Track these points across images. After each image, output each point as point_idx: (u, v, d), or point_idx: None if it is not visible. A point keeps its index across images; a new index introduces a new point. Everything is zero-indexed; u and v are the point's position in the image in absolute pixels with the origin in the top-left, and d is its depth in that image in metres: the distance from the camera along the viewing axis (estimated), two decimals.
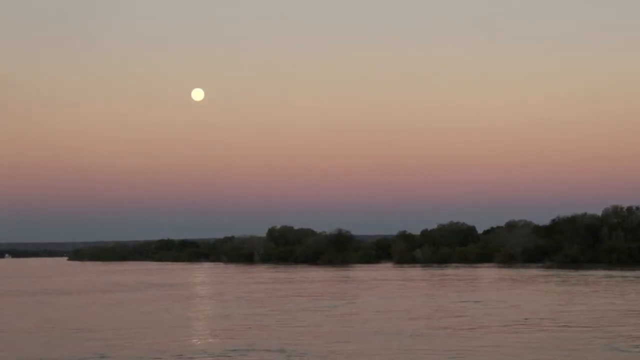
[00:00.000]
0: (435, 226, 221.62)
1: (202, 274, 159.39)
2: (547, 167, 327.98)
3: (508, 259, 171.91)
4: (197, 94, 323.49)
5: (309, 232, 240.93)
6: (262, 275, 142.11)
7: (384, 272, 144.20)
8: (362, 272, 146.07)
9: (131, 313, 64.33)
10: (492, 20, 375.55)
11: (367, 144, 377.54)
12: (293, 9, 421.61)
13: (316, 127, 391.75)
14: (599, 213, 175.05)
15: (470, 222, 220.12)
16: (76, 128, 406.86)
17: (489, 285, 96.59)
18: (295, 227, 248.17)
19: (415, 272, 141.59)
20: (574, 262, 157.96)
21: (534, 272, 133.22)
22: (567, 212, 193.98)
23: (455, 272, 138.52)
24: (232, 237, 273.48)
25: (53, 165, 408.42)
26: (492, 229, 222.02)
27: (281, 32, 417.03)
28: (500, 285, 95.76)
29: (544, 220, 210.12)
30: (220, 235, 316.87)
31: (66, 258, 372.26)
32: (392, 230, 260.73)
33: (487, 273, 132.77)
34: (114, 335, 48.16)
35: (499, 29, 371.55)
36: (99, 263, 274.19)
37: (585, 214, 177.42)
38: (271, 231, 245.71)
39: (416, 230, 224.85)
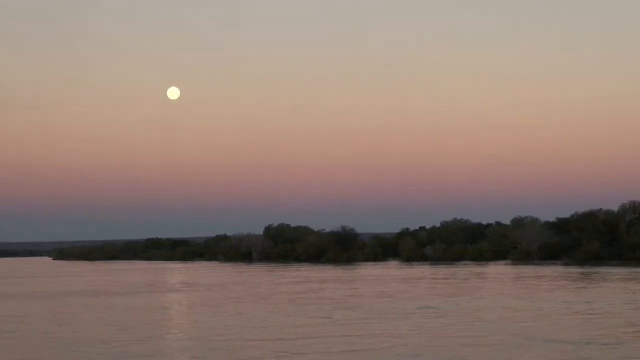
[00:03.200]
0: (431, 224, 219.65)
1: (214, 273, 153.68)
2: (541, 166, 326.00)
3: (525, 256, 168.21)
4: (173, 93, 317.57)
5: (307, 230, 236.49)
6: (284, 274, 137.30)
7: (411, 271, 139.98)
8: (384, 271, 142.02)
9: (237, 319, 59.08)
10: (504, 16, 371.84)
11: (363, 143, 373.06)
12: (279, 6, 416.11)
13: (309, 126, 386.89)
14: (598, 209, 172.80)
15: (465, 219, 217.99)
16: (58, 127, 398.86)
17: (565, 285, 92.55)
18: (293, 225, 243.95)
19: (444, 271, 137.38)
20: (596, 260, 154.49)
21: (569, 270, 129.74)
22: (568, 210, 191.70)
23: (485, 270, 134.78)
24: (225, 235, 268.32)
25: (33, 165, 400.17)
26: (487, 225, 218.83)
27: (279, 28, 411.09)
28: (576, 285, 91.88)
29: (546, 217, 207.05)
30: (206, 234, 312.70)
31: (47, 258, 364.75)
32: (385, 229, 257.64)
33: (522, 271, 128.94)
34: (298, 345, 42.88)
35: (509, 24, 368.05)
36: (87, 263, 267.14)
37: (601, 209, 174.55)
38: (268, 229, 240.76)
39: (413, 228, 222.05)
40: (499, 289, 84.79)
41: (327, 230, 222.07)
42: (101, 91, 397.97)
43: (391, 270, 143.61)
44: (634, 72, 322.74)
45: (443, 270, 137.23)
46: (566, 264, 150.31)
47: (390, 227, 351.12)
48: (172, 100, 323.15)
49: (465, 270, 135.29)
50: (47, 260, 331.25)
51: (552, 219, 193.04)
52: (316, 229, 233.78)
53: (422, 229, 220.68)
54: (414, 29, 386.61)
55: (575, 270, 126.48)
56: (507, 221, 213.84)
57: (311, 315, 59.96)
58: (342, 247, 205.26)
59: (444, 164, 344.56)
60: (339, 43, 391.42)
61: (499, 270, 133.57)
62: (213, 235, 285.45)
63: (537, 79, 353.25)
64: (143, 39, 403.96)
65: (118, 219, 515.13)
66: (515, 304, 65.76)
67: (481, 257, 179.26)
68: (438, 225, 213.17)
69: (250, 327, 52.23)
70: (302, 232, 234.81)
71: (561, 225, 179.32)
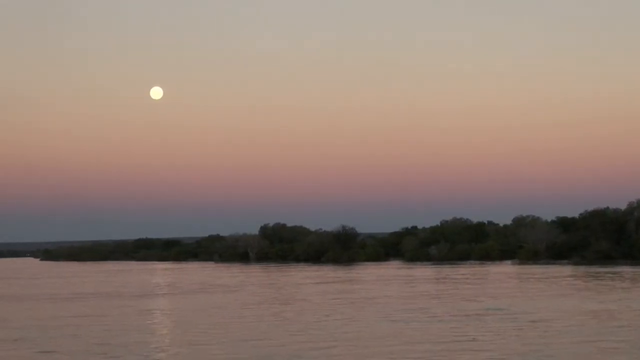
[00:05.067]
0: (423, 224, 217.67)
1: (220, 273, 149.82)
2: (538, 166, 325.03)
3: (533, 256, 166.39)
4: (156, 92, 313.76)
5: (304, 230, 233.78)
6: (296, 275, 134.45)
7: (425, 271, 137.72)
8: (397, 271, 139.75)
9: (314, 324, 56.44)
10: (506, 16, 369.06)
11: (355, 142, 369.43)
12: (269, 5, 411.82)
13: (302, 126, 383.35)
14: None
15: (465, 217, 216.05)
16: (42, 127, 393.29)
17: (609, 284, 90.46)
18: (289, 225, 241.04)
19: (461, 270, 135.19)
20: (607, 258, 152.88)
21: (589, 269, 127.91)
22: (564, 209, 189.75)
23: (503, 270, 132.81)
24: (218, 235, 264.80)
25: (15, 164, 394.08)
26: (483, 223, 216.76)
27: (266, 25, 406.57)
28: (621, 285, 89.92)
29: (543, 216, 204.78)
30: (195, 234, 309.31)
31: (32, 258, 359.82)
32: (378, 228, 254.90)
33: (543, 271, 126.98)
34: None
35: (515, 26, 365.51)
36: (77, 263, 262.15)
37: (608, 208, 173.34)
38: (264, 229, 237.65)
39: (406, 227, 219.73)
40: (546, 289, 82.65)
41: (325, 229, 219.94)
42: (85, 91, 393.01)
43: (403, 270, 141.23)
44: (637, 70, 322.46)
45: (459, 270, 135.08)
46: (576, 263, 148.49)
47: (382, 226, 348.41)
48: (155, 99, 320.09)
49: (483, 270, 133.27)
50: (33, 260, 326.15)
51: (551, 218, 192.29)
52: (310, 228, 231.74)
53: (414, 228, 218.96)
54: (415, 28, 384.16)
55: (596, 269, 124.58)
56: (499, 220, 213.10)
57: (387, 317, 57.09)
58: (342, 247, 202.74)
59: (439, 163, 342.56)
60: (338, 42, 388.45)
61: (516, 270, 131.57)
62: (202, 235, 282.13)
63: (537, 78, 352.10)
64: (128, 39, 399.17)
65: (104, 219, 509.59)
66: (589, 305, 63.40)
67: (487, 257, 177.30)
68: (430, 225, 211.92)
69: (353, 335, 48.49)
70: (299, 232, 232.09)
71: (566, 224, 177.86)
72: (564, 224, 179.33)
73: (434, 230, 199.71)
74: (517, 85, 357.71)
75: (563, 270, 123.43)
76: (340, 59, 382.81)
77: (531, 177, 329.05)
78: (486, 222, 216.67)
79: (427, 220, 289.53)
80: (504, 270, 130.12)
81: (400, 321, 54.16)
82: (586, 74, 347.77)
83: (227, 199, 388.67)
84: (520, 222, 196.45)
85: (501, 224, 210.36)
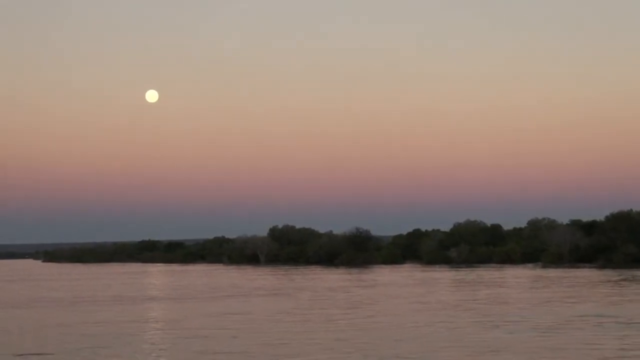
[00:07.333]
0: (424, 226, 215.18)
1: (239, 275, 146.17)
2: (540, 167, 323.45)
3: (558, 259, 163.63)
4: (151, 96, 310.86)
5: (313, 232, 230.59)
6: (323, 277, 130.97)
7: (453, 274, 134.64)
8: (424, 274, 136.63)
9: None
10: (528, 18, 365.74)
11: (357, 143, 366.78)
12: (263, 6, 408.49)
13: (301, 127, 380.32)
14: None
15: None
16: (36, 128, 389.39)
17: None
18: (297, 227, 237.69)
19: (493, 273, 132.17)
20: (635, 262, 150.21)
21: (629, 273, 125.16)
22: (575, 211, 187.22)
23: (536, 273, 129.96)
24: (223, 237, 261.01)
25: (10, 166, 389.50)
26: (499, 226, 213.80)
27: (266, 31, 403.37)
28: None
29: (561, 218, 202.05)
30: (193, 236, 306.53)
31: (31, 260, 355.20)
32: (384, 231, 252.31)
33: (579, 274, 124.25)
34: None
35: (529, 24, 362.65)
36: (81, 265, 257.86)
37: (632, 210, 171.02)
38: (273, 231, 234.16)
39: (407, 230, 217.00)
40: (611, 293, 79.73)
41: (335, 231, 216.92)
42: (82, 93, 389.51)
43: (428, 273, 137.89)
44: None
45: (491, 273, 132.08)
46: (603, 267, 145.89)
47: (385, 228, 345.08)
48: (150, 102, 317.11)
49: (515, 273, 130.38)
50: (35, 262, 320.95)
51: (561, 221, 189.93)
52: (322, 231, 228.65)
53: (418, 230, 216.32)
54: (425, 29, 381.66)
55: (635, 273, 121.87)
56: (503, 222, 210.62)
57: (517, 326, 53.55)
58: (356, 249, 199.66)
59: (440, 164, 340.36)
60: (341, 42, 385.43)
61: (549, 274, 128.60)
62: (204, 237, 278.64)
63: (539, 79, 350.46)
64: (123, 42, 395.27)
65: (103, 221, 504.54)
66: None
67: (508, 259, 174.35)
68: (433, 228, 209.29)
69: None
70: (308, 234, 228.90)
71: (584, 227, 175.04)
72: (581, 227, 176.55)
73: (451, 232, 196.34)
74: (518, 86, 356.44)
75: (603, 274, 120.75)
76: (345, 59, 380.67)
77: (532, 179, 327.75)
78: (529, 224, 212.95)
79: (428, 223, 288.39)
80: (535, 274, 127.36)
81: (546, 330, 50.67)
82: (588, 74, 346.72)
83: (227, 201, 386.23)
84: (537, 225, 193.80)
85: (505, 227, 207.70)
